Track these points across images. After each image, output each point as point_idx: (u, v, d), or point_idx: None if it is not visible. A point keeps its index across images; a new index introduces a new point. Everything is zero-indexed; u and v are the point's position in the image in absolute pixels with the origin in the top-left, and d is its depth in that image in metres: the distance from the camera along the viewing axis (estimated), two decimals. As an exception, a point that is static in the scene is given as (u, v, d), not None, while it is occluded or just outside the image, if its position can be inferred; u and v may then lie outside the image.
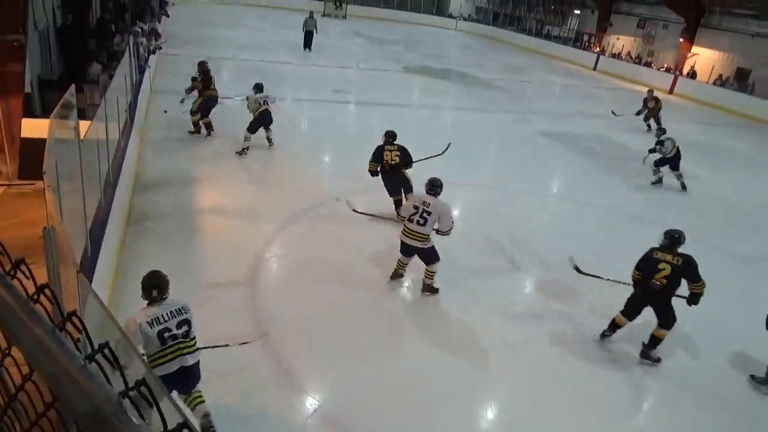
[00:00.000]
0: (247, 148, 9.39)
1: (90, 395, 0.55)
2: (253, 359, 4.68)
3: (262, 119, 9.51)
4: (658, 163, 10.51)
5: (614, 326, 5.47)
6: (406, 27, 33.82)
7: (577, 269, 6.15)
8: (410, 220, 5.68)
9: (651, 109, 14.37)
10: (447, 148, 8.65)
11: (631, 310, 5.34)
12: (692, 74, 23.16)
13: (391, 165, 7.52)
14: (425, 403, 4.51)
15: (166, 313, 3.60)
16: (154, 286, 3.66)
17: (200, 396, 3.75)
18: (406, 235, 5.74)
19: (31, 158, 5.90)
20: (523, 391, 4.83)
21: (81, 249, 4.21)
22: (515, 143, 12.67)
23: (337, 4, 34.35)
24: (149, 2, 18.74)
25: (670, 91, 22.73)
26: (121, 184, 6.16)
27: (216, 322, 5.05)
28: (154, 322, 3.54)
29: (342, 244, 6.87)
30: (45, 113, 7.42)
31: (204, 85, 9.89)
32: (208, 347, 4.11)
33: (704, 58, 23.44)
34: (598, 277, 6.04)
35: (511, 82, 19.98)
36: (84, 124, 4.81)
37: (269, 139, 9.78)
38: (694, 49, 23.95)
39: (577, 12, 31.51)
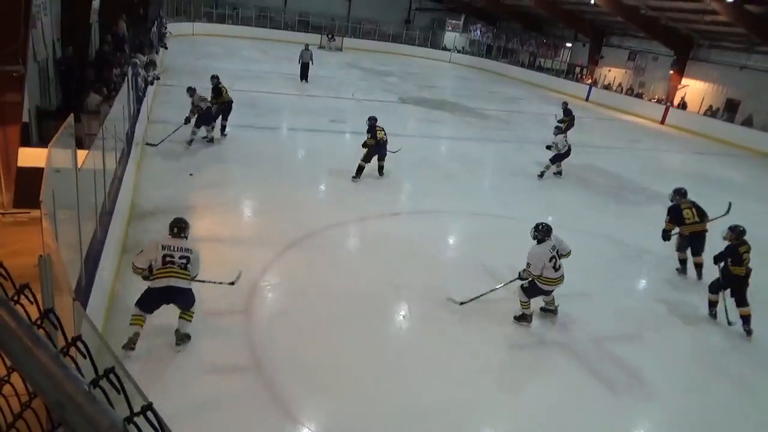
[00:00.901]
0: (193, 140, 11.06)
1: (95, 421, 0.54)
2: (248, 388, 4.61)
3: (207, 116, 11.13)
4: (554, 160, 11.97)
5: (713, 305, 6.76)
6: (401, 59, 34.34)
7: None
8: (556, 269, 5.74)
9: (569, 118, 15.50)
10: (399, 149, 10.93)
11: (717, 289, 6.71)
12: (683, 105, 23.55)
13: (384, 140, 10.33)
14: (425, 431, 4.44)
15: (176, 246, 4.90)
16: (176, 225, 5.03)
17: (190, 316, 5.01)
18: (552, 284, 5.84)
19: (27, 187, 5.89)
20: (524, 420, 4.77)
21: (76, 277, 4.18)
22: (512, 172, 12.74)
23: (330, 36, 34.90)
24: (148, 34, 19.00)
25: (662, 122, 23.10)
26: (117, 212, 6.15)
27: (211, 350, 5.00)
28: (164, 248, 4.87)
29: (338, 272, 6.85)
30: (42, 143, 7.44)
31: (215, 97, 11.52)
32: (204, 281, 5.31)
33: (694, 89, 23.87)
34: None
35: (506, 113, 20.24)
36: (81, 153, 4.82)
37: (212, 138, 11.45)
38: (684, 80, 24.39)
39: (569, 45, 32.12)
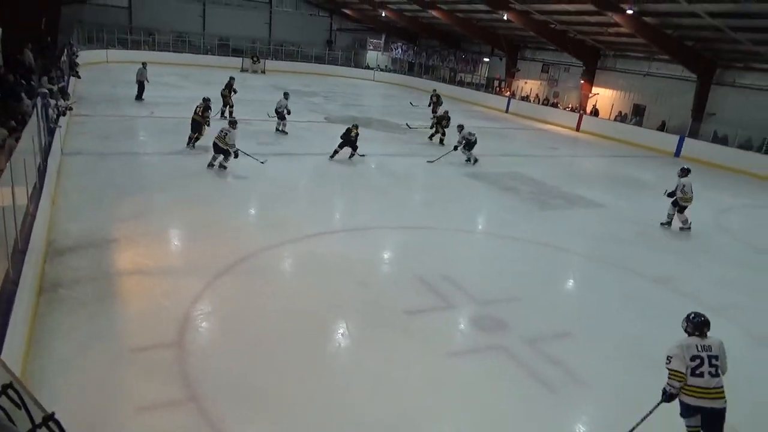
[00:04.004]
0: None
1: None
2: (185, 424, 4.43)
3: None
4: (467, 147, 14.80)
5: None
6: (325, 79, 34.49)
7: None
8: (698, 375, 4.29)
9: (434, 103, 21.27)
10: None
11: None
12: (595, 112, 24.97)
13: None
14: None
15: (223, 128, 11.70)
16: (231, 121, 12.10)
17: (227, 160, 11.63)
18: (703, 397, 4.28)
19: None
20: (468, 426, 4.82)
21: (-13, 323, 3.90)
22: (440, 185, 13.01)
23: (255, 59, 34.63)
24: (58, 62, 18.14)
25: (577, 129, 24.35)
26: (31, 251, 5.79)
27: (142, 388, 4.77)
28: (221, 129, 11.75)
29: (273, 297, 6.72)
30: (-57, 181, 6.90)
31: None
32: (246, 153, 12.03)
33: (604, 96, 25.39)
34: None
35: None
36: (-13, 190, 4.53)
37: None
38: (594, 89, 25.89)
39: (486, 60, 33.37)
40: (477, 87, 32.29)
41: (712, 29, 18.41)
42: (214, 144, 11.69)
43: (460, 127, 14.95)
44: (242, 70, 33.50)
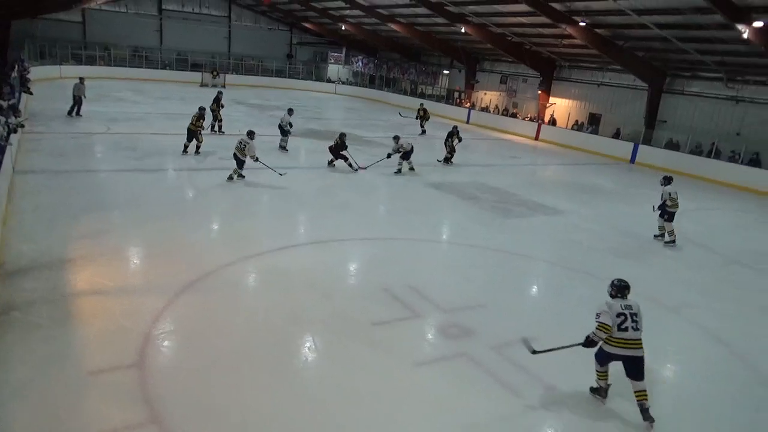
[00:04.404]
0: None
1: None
2: (147, 447, 4.29)
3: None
4: (403, 157, 14.86)
5: None
6: (286, 93, 34.36)
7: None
8: (623, 329, 5.11)
9: (422, 117, 23.17)
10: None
11: None
12: (553, 121, 25.58)
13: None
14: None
15: (241, 139, 12.28)
16: (248, 132, 12.45)
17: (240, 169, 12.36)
18: (628, 347, 5.11)
19: None
20: (434, 437, 4.82)
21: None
22: (403, 196, 13.08)
23: (214, 73, 34.29)
24: (8, 78, 17.58)
25: (536, 138, 24.88)
26: (-20, 273, 5.56)
27: (102, 410, 4.61)
28: (240, 140, 12.29)
29: (236, 313, 6.61)
30: None
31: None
32: (265, 165, 12.35)
33: (561, 106, 26.05)
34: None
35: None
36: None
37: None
38: (552, 99, 26.54)
39: (446, 72, 33.84)
40: (438, 99, 32.70)
41: (661, 40, 19.14)
42: (235, 155, 12.28)
43: (396, 138, 14.86)
44: (202, 84, 33.10)
